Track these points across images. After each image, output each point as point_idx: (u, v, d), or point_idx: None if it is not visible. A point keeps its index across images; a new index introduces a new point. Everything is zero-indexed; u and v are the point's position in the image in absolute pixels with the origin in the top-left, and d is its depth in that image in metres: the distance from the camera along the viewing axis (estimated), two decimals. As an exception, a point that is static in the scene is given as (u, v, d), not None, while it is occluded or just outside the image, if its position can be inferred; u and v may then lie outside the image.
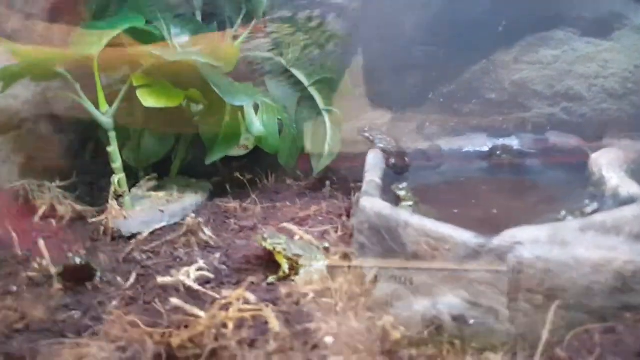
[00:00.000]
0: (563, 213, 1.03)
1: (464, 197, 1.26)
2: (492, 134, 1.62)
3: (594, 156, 1.19)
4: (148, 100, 1.38)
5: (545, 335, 0.81)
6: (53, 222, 1.46)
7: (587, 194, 1.15)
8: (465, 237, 0.94)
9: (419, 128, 1.71)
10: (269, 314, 0.89)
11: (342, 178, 1.72)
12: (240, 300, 0.96)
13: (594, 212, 1.03)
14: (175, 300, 1.00)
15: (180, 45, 1.61)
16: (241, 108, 1.52)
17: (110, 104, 1.41)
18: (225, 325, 0.92)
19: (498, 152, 1.55)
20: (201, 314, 0.96)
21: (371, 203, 1.10)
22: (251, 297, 0.97)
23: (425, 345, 0.92)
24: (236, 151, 1.82)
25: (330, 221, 1.38)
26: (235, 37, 1.70)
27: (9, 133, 1.52)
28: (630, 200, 1.03)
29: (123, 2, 1.64)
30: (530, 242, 0.88)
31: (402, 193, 1.23)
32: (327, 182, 1.67)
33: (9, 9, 1.51)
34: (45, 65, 1.37)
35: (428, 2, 1.72)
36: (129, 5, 1.62)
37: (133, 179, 1.63)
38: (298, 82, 1.75)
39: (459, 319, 0.94)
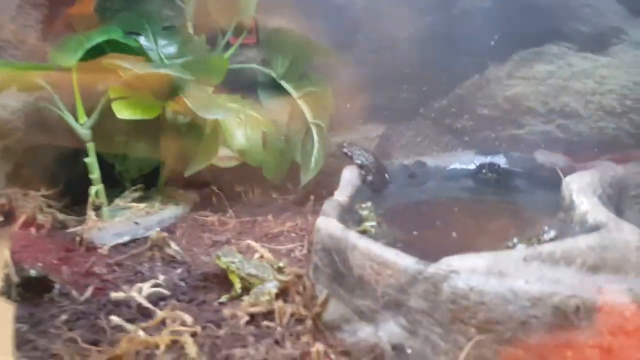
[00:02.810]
0: (515, 240, 0.97)
1: (431, 217, 1.22)
2: (481, 151, 1.56)
3: (566, 179, 1.13)
4: (123, 112, 1.39)
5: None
6: (32, 231, 1.48)
7: (557, 219, 1.09)
8: (407, 262, 0.90)
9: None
10: (187, 339, 0.87)
11: (331, 192, 1.70)
12: (176, 321, 0.94)
13: (550, 240, 0.98)
14: (115, 318, 0.99)
15: (168, 57, 1.63)
16: (221, 121, 1.52)
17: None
18: (157, 347, 0.91)
19: (484, 170, 1.50)
20: (140, 333, 0.95)
21: (325, 223, 1.07)
22: (188, 318, 0.95)
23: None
24: (227, 162, 1.82)
25: (301, 238, 1.36)
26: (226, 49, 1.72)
27: (-3, 142, 1.55)
28: (595, 229, 0.97)
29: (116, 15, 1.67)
30: (467, 271, 0.83)
31: (364, 213, 1.20)
32: (312, 197, 1.64)
33: (1, 19, 1.54)
34: (27, 77, 1.40)
35: (422, 16, 1.68)
36: (117, 18, 1.65)
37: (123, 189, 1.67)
38: (289, 95, 1.73)
39: (397, 348, 0.90)
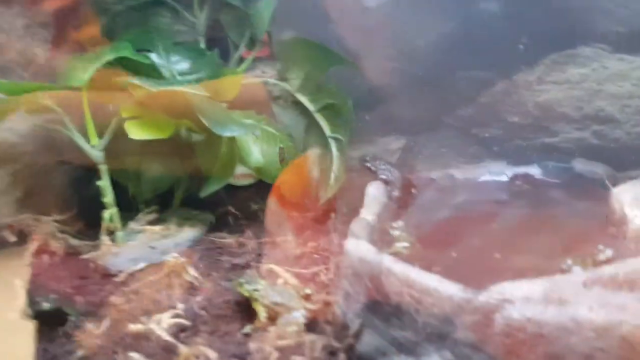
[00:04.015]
0: (569, 262, 0.88)
1: (468, 235, 1.13)
2: (513, 162, 1.48)
3: (616, 190, 1.04)
4: (136, 132, 1.32)
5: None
6: (45, 258, 1.42)
7: (607, 235, 1.00)
8: (451, 290, 0.82)
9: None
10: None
11: (353, 208, 1.61)
12: (199, 357, 0.86)
13: (608, 260, 0.89)
14: (134, 355, 0.92)
15: (180, 73, 1.56)
16: (237, 138, 1.45)
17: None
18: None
19: (518, 182, 1.41)
20: (161, 371, 0.88)
21: (355, 246, 0.99)
22: (212, 354, 0.87)
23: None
24: (242, 180, 1.75)
25: (324, 261, 1.27)
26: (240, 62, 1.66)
27: (6, 167, 1.49)
28: (655, 245, 0.88)
29: (123, 33, 1.62)
30: (522, 299, 0.75)
31: (396, 233, 1.11)
32: (332, 214, 1.56)
33: (7, 38, 1.49)
34: (35, 99, 1.34)
35: (442, 19, 1.60)
36: (127, 35, 1.59)
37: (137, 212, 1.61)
38: (305, 109, 1.66)
39: (444, 386, 0.82)
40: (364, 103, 1.67)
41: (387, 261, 0.91)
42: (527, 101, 1.58)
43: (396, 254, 1.07)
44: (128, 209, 1.61)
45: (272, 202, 1.46)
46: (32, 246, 1.43)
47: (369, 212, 1.17)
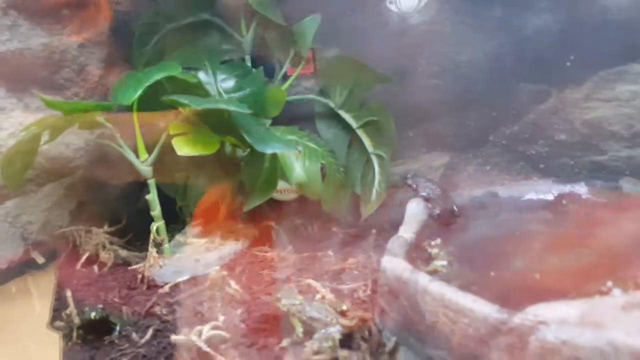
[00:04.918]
0: (609, 284, 0.86)
1: (508, 255, 1.11)
2: (559, 180, 1.44)
3: (664, 212, 1.00)
4: (183, 148, 1.37)
5: None
6: (95, 268, 1.48)
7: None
8: (487, 311, 0.81)
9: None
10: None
11: (395, 225, 1.61)
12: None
13: (653, 284, 0.86)
14: (174, 365, 0.95)
15: (226, 91, 1.61)
16: (280, 154, 1.48)
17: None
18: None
19: (563, 201, 1.38)
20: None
21: (391, 264, 0.99)
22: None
23: None
24: (285, 195, 1.78)
25: (364, 277, 1.28)
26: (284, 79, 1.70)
27: (60, 180, 1.57)
28: None
29: (173, 52, 1.68)
30: (557, 322, 0.73)
31: (434, 251, 1.11)
32: (373, 230, 1.56)
33: (62, 58, 1.56)
34: (88, 116, 1.41)
35: (488, 36, 1.59)
36: (177, 54, 1.66)
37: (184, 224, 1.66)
38: (348, 125, 1.68)
39: (477, 409, 0.81)
40: (408, 120, 1.67)
41: (423, 280, 0.91)
42: (575, 119, 1.54)
43: (434, 272, 1.07)
44: (174, 220, 1.67)
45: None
46: (83, 257, 1.51)
47: (407, 230, 1.16)
